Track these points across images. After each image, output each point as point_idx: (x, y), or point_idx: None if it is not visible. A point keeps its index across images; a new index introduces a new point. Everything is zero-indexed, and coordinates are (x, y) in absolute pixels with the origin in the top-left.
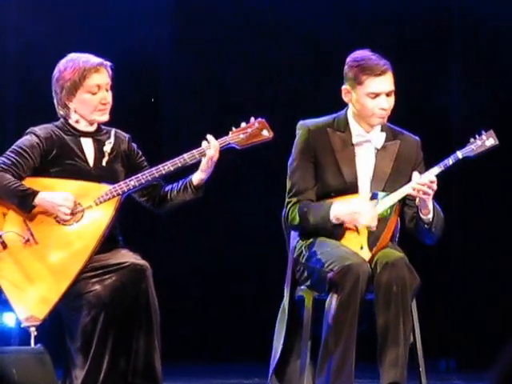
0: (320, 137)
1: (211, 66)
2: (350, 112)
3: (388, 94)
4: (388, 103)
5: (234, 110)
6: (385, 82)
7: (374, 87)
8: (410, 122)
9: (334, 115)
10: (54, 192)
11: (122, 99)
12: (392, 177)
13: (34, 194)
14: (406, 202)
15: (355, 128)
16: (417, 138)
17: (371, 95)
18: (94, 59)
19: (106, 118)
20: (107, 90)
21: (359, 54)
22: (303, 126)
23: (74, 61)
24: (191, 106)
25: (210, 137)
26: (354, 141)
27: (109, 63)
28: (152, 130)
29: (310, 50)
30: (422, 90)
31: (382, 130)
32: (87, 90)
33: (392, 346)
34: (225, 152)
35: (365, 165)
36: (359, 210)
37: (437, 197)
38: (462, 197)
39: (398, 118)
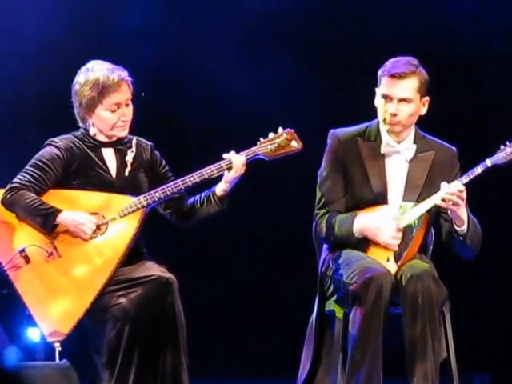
0: (349, 146)
1: (239, 76)
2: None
3: (400, 101)
4: (396, 109)
5: (262, 120)
6: (398, 87)
7: (386, 89)
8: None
9: (367, 124)
10: (76, 212)
11: (150, 109)
12: (425, 189)
13: (56, 213)
14: (442, 214)
15: (385, 138)
16: (453, 148)
17: (384, 96)
18: (114, 74)
19: (125, 133)
20: (127, 105)
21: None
22: (333, 135)
23: (94, 73)
24: (219, 117)
25: (233, 154)
26: (383, 151)
27: (129, 78)
28: (180, 140)
29: (343, 61)
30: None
31: (414, 142)
32: (106, 108)
33: (421, 360)
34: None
35: (396, 176)
36: (380, 226)
37: (471, 208)
38: (496, 206)
39: (432, 127)
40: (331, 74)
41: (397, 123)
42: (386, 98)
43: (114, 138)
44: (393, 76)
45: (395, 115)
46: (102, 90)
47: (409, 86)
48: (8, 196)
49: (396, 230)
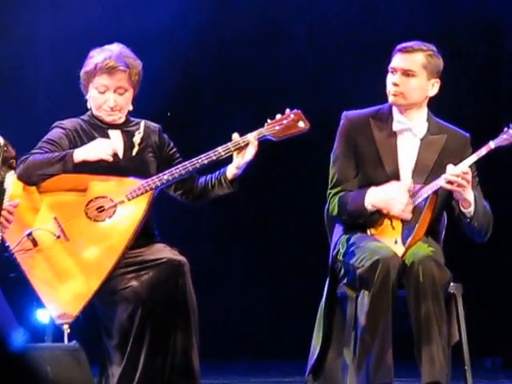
0: (361, 127)
1: (252, 61)
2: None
3: (405, 74)
4: (400, 81)
5: (274, 103)
6: (403, 59)
7: (393, 61)
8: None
9: (379, 106)
10: (88, 144)
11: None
12: (434, 170)
13: (71, 153)
14: (453, 197)
15: (397, 116)
16: (466, 134)
17: (390, 70)
18: (115, 59)
19: (112, 118)
20: (120, 94)
21: None
22: (346, 116)
23: (103, 52)
24: (229, 101)
25: (251, 136)
26: (395, 128)
27: (129, 70)
28: (191, 122)
29: (352, 46)
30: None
31: (426, 121)
32: (95, 87)
33: (427, 344)
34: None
35: (407, 155)
36: (393, 197)
37: (485, 192)
38: (508, 191)
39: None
40: (350, 59)
41: (399, 94)
42: (392, 71)
43: (123, 118)
44: (400, 50)
45: (397, 85)
46: (95, 69)
47: (414, 60)
48: (22, 166)
49: (408, 201)
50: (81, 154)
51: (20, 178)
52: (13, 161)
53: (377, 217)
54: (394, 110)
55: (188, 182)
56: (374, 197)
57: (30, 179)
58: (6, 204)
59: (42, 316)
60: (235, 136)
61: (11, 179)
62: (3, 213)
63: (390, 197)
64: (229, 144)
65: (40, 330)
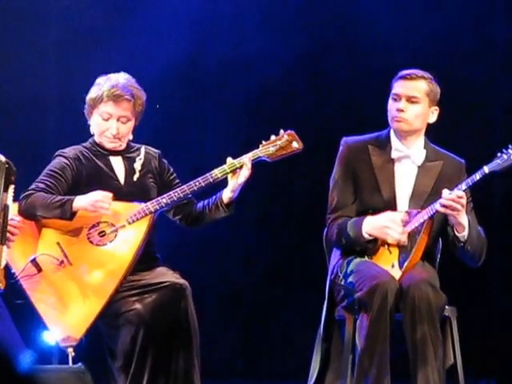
0: (360, 153)
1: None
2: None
3: (409, 100)
4: (404, 106)
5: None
6: (407, 86)
7: (396, 89)
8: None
9: (378, 133)
10: (89, 193)
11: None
12: (431, 197)
13: (71, 200)
14: (448, 223)
15: (395, 143)
16: (462, 160)
17: (394, 96)
18: (121, 88)
19: (113, 146)
20: (123, 123)
21: None
22: (345, 142)
23: (109, 81)
24: (226, 122)
25: (245, 160)
26: (393, 155)
27: (133, 100)
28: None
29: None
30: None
31: (424, 148)
32: (99, 114)
33: (422, 366)
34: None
35: (404, 182)
36: (388, 225)
37: (479, 213)
38: (503, 210)
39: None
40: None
41: (403, 120)
42: (396, 97)
43: (124, 144)
44: (402, 77)
45: (402, 111)
46: (101, 96)
47: (417, 87)
48: (24, 202)
49: (402, 230)
50: (80, 203)
51: (21, 214)
52: (14, 176)
53: (373, 245)
54: (393, 137)
55: (186, 207)
56: (370, 226)
57: (29, 217)
58: (10, 221)
59: (49, 338)
60: (230, 159)
61: (12, 194)
62: (9, 227)
63: (384, 226)
64: (225, 166)
65: (47, 351)
